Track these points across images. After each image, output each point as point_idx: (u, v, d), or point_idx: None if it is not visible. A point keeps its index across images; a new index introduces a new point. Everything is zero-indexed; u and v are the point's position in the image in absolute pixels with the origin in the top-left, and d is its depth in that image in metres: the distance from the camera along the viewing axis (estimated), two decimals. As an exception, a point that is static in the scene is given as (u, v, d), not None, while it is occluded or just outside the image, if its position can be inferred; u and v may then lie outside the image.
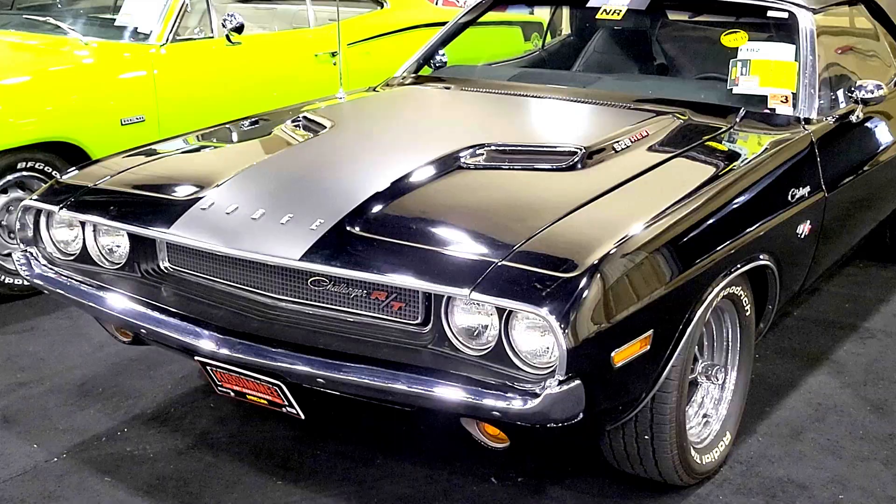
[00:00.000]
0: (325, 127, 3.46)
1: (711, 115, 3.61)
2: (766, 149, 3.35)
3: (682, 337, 2.75)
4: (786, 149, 3.38)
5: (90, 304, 3.07)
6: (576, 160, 3.06)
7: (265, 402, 2.88)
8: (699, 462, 3.06)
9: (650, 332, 2.60)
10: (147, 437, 3.35)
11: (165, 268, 3.07)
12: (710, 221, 2.86)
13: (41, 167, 4.50)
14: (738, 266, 2.97)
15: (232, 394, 2.95)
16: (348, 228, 2.70)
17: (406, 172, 2.93)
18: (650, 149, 3.26)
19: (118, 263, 3.14)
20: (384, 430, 3.37)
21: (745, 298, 3.14)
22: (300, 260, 2.64)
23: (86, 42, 4.99)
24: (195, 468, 3.17)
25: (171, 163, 3.41)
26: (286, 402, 2.82)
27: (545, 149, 3.17)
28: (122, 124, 4.77)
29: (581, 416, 2.47)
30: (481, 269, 2.48)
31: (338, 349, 2.68)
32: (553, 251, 2.54)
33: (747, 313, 3.18)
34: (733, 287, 3.03)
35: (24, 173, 4.48)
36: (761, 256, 3.12)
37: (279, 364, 2.68)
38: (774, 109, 3.64)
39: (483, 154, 3.11)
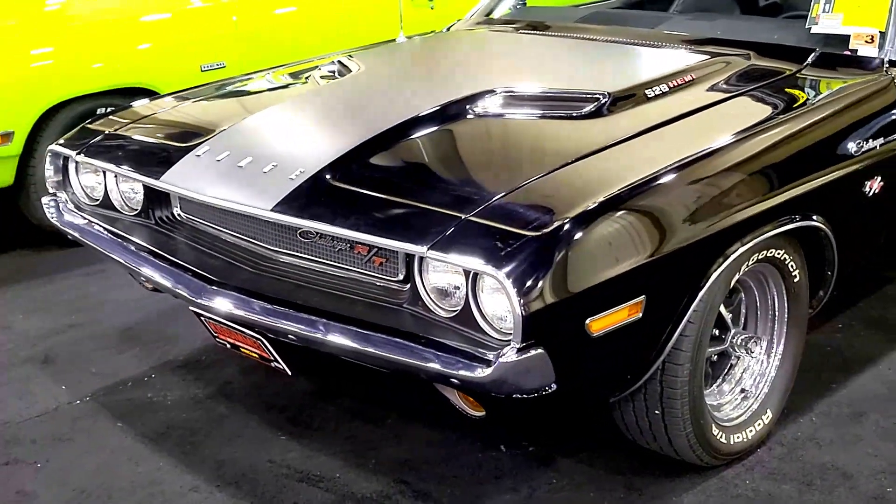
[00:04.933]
0: (351, 72, 3.32)
1: (779, 57, 3.24)
2: (831, 94, 2.99)
3: (691, 304, 2.48)
4: (856, 94, 3.00)
5: (102, 250, 3.06)
6: (597, 107, 2.80)
7: (256, 356, 2.79)
8: (725, 441, 2.78)
9: (641, 298, 2.34)
10: (170, 384, 3.34)
11: (178, 215, 3.03)
12: (732, 176, 2.55)
13: (119, 112, 4.55)
14: (774, 227, 2.66)
15: (228, 346, 2.88)
16: (327, 179, 2.56)
17: (405, 120, 2.76)
18: (691, 95, 2.95)
19: (135, 210, 3.11)
20: (403, 389, 3.23)
21: (792, 262, 2.81)
22: (271, 210, 2.52)
23: (170, -13, 5.00)
24: (205, 418, 3.13)
25: (197, 108, 3.34)
26: (272, 357, 2.72)
27: (566, 95, 2.91)
28: (201, 70, 4.77)
29: (555, 386, 2.26)
30: (446, 224, 2.29)
31: (316, 305, 2.55)
32: (529, 206, 2.32)
33: (795, 279, 2.85)
34: (772, 250, 2.72)
35: (103, 118, 4.54)
36: (814, 217, 2.78)
37: (254, 318, 2.58)
38: (856, 51, 3.23)
39: (498, 100, 2.89)
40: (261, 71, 3.73)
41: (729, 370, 2.91)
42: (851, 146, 2.89)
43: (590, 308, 2.25)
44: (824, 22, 3.34)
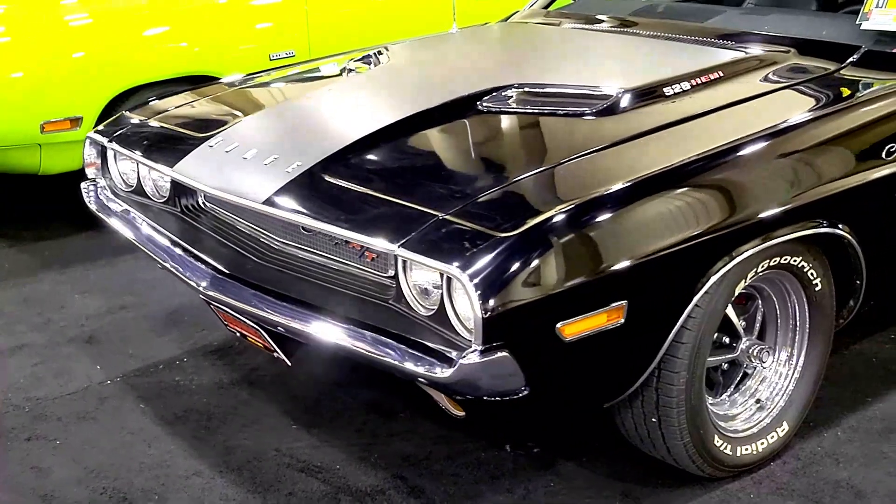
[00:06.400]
0: (380, 64, 3.32)
1: (821, 54, 3.09)
2: (867, 94, 2.84)
3: (684, 310, 2.40)
4: (892, 94, 2.84)
5: (125, 235, 3.14)
6: (610, 104, 2.73)
7: (261, 345, 2.83)
8: (730, 453, 2.68)
9: (622, 303, 2.27)
10: (200, 369, 3.42)
11: (203, 204, 3.08)
12: (735, 178, 2.47)
13: (186, 100, 4.67)
14: (787, 233, 2.54)
15: (237, 334, 2.92)
16: (321, 174, 2.56)
17: (411, 114, 2.75)
18: (714, 93, 2.85)
19: (164, 197, 3.19)
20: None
21: (812, 271, 2.69)
22: (263, 203, 2.54)
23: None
24: (225, 404, 3.19)
25: (229, 98, 3.38)
26: (272, 347, 2.75)
27: (580, 92, 2.85)
28: (270, 59, 4.84)
29: (527, 390, 2.23)
30: (421, 222, 2.27)
31: (308, 297, 2.57)
32: (505, 206, 2.29)
33: (817, 288, 2.73)
34: (787, 256, 2.60)
35: (172, 106, 4.66)
36: (840, 225, 2.65)
37: (246, 307, 2.62)
38: (907, 49, 3.06)
39: (510, 97, 2.85)
40: (304, 62, 3.77)
41: (742, 380, 2.81)
42: (881, 150, 2.74)
43: (561, 312, 2.19)
44: (876, 18, 3.17)
